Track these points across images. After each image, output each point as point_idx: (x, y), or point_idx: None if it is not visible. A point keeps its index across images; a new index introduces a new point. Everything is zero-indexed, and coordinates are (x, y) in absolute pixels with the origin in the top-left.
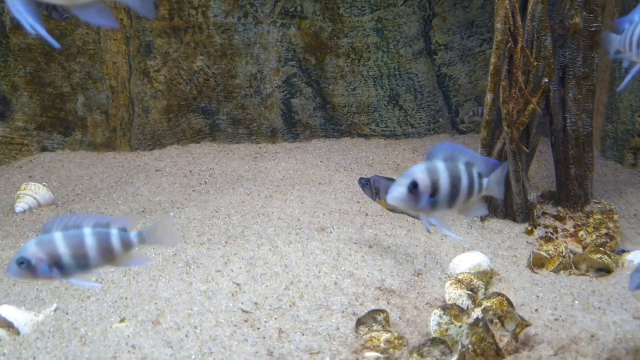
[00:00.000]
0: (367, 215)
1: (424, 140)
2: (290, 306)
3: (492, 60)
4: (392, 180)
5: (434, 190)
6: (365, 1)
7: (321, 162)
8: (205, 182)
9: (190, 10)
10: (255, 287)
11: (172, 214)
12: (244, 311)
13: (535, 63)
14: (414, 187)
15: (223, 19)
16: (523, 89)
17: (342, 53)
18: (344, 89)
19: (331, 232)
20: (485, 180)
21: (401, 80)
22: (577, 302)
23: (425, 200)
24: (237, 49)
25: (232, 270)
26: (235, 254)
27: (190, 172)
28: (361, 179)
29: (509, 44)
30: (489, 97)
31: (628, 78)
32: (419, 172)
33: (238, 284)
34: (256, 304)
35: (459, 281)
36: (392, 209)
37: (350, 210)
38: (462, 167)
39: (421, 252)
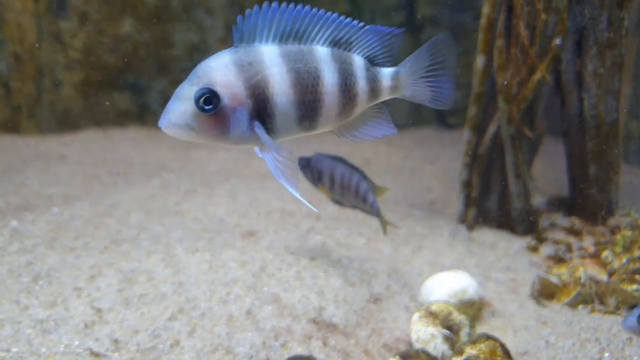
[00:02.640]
0: (319, 218)
1: (402, 134)
2: (171, 346)
3: (485, 9)
4: (339, 160)
5: (258, 99)
6: None
7: None
8: (117, 173)
9: None
10: (124, 314)
11: (55, 210)
12: (92, 353)
13: (544, 15)
14: (208, 99)
15: None
16: (527, 49)
17: None
18: None
19: (262, 238)
20: (386, 72)
21: None
22: (607, 355)
23: (243, 119)
24: (175, 12)
25: (98, 289)
26: (110, 265)
27: (103, 160)
28: (300, 158)
29: None
30: (479, 61)
31: None
32: (220, 68)
33: (99, 310)
34: (116, 341)
35: (432, 313)
36: (338, 201)
37: (297, 211)
38: (322, 52)
39: (383, 269)
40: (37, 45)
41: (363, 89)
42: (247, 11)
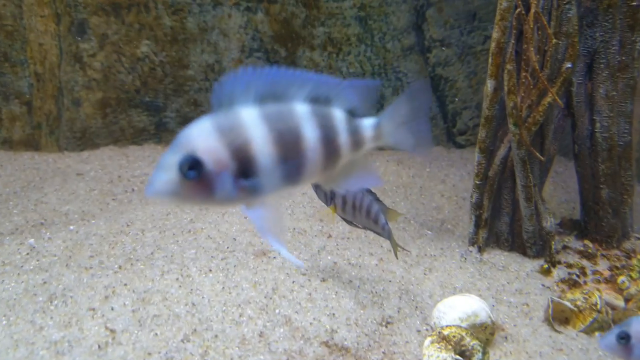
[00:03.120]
0: (329, 237)
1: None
2: None
3: (494, 34)
4: None
5: (242, 161)
6: None
7: None
8: (132, 190)
9: None
10: (137, 335)
11: (71, 228)
12: None
13: (554, 40)
14: (191, 166)
15: None
16: (537, 72)
17: (317, 44)
18: None
19: (273, 258)
20: (367, 122)
21: (387, 79)
22: None
23: (227, 182)
24: (191, 34)
25: (112, 309)
26: (124, 285)
27: (119, 177)
28: None
29: (518, 10)
30: (489, 86)
31: None
32: (201, 135)
33: (112, 331)
34: None
35: (444, 338)
36: (349, 222)
37: (308, 229)
38: (301, 109)
39: (395, 291)
40: (58, 65)
41: (345, 141)
42: (223, 77)
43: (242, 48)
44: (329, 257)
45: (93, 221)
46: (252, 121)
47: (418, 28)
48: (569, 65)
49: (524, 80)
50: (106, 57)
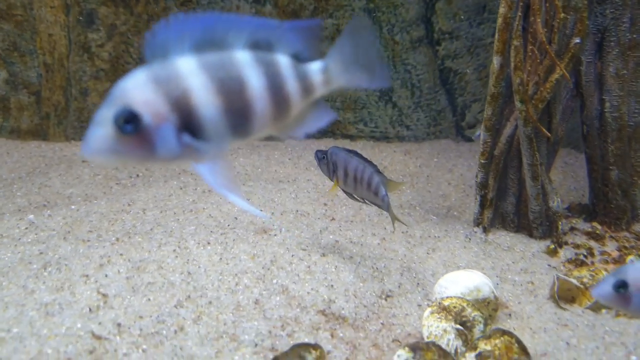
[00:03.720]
0: (333, 219)
1: (421, 144)
2: (175, 332)
3: (501, 9)
4: (354, 154)
5: (183, 113)
6: None
7: (289, 159)
8: (137, 175)
9: None
10: (130, 300)
11: (72, 207)
12: (94, 335)
13: (562, 14)
14: (127, 119)
15: None
16: (545, 45)
17: (325, 36)
18: None
19: (275, 235)
20: (314, 67)
21: (395, 72)
22: (634, 358)
23: (169, 136)
24: None
25: (106, 276)
26: (120, 254)
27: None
28: (317, 151)
29: None
30: (495, 62)
31: None
32: (136, 87)
33: (104, 295)
34: (119, 325)
35: (445, 309)
36: (350, 195)
37: (311, 212)
38: (243, 56)
39: (396, 268)
40: (67, 56)
41: (294, 88)
42: (155, 26)
43: None
44: (331, 237)
45: (95, 202)
46: (190, 70)
47: (427, 20)
48: (577, 40)
49: (530, 53)
50: (114, 47)
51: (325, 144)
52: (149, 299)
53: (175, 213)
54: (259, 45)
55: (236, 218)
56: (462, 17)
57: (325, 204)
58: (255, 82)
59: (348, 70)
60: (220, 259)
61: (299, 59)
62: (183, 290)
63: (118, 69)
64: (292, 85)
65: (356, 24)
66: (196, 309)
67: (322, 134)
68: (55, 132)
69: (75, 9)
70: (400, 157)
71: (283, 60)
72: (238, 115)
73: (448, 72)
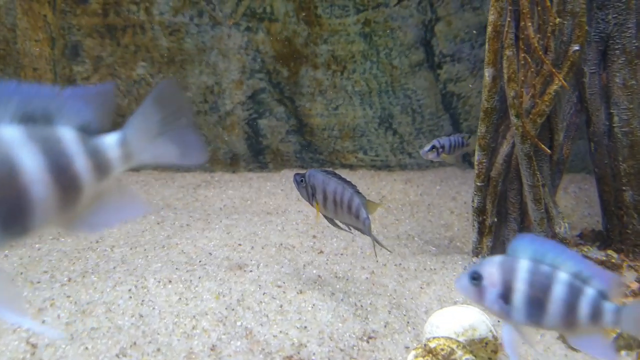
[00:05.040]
0: (320, 252)
1: (424, 172)
2: None
3: (490, 17)
4: (332, 175)
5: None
6: (349, 0)
7: (281, 190)
8: None
9: (130, 5)
10: (64, 350)
11: (37, 246)
12: None
13: (557, 19)
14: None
15: (171, 17)
16: (538, 52)
17: (320, 63)
18: (324, 108)
19: (250, 272)
20: (109, 140)
21: (395, 97)
22: None
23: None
24: (189, 55)
25: (43, 322)
26: (68, 297)
27: None
28: (296, 174)
29: None
30: (487, 75)
31: None
32: None
33: (33, 345)
34: None
35: (430, 351)
36: (331, 220)
37: (297, 245)
38: (11, 133)
39: (384, 305)
40: None
41: (83, 167)
42: None
43: (242, 69)
44: (314, 271)
45: (62, 239)
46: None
47: (427, 43)
48: (576, 47)
49: (523, 62)
50: (100, 79)
51: None
52: (87, 348)
53: (145, 250)
54: (33, 118)
55: (210, 254)
56: (463, 38)
57: (314, 236)
58: (29, 163)
59: (153, 142)
60: (180, 298)
61: (89, 131)
62: (130, 335)
63: None
64: (80, 163)
65: (164, 89)
66: (141, 357)
67: (321, 163)
68: None
69: (60, 41)
70: (401, 186)
71: (66, 134)
72: (10, 207)
73: (451, 96)
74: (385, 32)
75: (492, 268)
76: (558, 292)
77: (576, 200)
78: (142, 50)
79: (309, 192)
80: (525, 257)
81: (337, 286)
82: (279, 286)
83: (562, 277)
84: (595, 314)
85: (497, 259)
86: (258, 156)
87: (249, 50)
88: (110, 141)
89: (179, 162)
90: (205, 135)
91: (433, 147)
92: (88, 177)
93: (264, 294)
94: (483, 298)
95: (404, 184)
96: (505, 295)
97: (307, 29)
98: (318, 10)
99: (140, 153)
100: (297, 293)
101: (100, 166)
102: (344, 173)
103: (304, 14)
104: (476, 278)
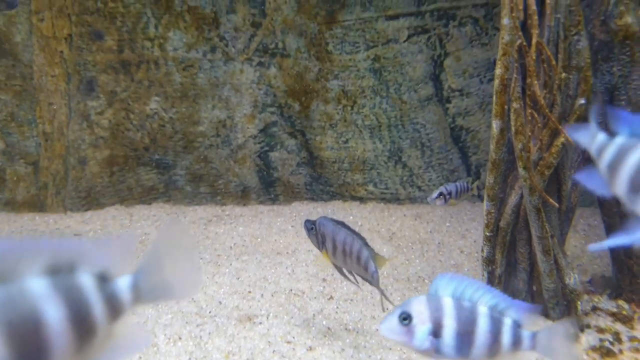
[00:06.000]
0: (330, 298)
1: (433, 208)
2: None
3: (497, 71)
4: (342, 225)
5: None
6: (359, 36)
7: (292, 226)
8: None
9: (144, 42)
10: None
11: None
12: None
13: (563, 74)
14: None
15: (184, 52)
16: (543, 108)
17: (331, 97)
18: (334, 141)
19: (259, 323)
20: (122, 284)
21: (404, 131)
22: None
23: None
24: (202, 90)
25: None
26: None
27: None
28: (306, 221)
29: (519, 41)
30: (495, 126)
31: None
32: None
33: None
34: None
35: None
36: (339, 269)
37: (307, 290)
38: (38, 286)
39: None
40: (67, 124)
41: (100, 313)
42: None
43: (254, 103)
44: (324, 322)
45: None
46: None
47: (436, 78)
48: (582, 101)
49: (530, 117)
50: (114, 114)
51: (333, 207)
52: None
53: None
54: (59, 269)
55: (220, 302)
56: (472, 73)
57: (324, 279)
58: (53, 316)
59: (161, 283)
60: (189, 358)
61: (107, 276)
62: None
63: (118, 136)
64: (98, 309)
65: (169, 227)
66: None
67: (331, 196)
68: (53, 203)
69: (76, 77)
70: (410, 222)
71: (87, 283)
72: (31, 357)
73: (460, 130)
74: (395, 68)
75: (420, 307)
76: (482, 324)
77: (585, 240)
78: (155, 85)
79: (319, 240)
80: (447, 295)
81: (347, 340)
82: (289, 342)
83: (484, 311)
84: (516, 341)
85: (421, 298)
86: (269, 188)
87: (261, 84)
88: (123, 285)
89: (176, 298)
90: (216, 169)
91: (440, 194)
92: (103, 322)
93: (273, 351)
94: (413, 337)
95: (414, 220)
96: (436, 332)
97: (318, 64)
98: (329, 46)
99: (148, 294)
100: (307, 350)
101: (114, 310)
102: (353, 206)
103: (315, 50)
104: (406, 318)
